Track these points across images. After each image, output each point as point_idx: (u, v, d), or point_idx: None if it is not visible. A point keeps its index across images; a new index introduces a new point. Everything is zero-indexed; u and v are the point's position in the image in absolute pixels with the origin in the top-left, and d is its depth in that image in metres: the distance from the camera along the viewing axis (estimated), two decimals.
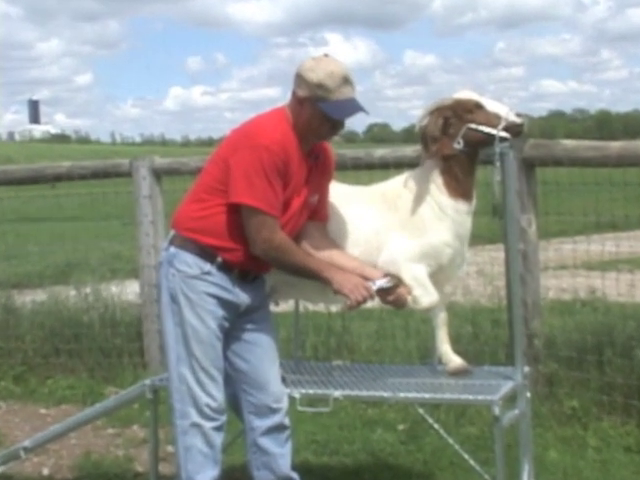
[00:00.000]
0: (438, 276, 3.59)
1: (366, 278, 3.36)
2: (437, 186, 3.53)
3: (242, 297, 3.38)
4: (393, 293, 3.40)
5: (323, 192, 3.48)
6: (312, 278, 3.33)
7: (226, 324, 3.37)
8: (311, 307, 5.77)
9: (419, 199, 3.54)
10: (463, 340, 5.27)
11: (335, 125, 3.28)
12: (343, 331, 5.86)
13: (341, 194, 3.63)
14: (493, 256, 5.74)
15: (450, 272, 3.63)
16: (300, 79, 3.24)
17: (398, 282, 3.41)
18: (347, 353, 5.72)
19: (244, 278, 3.38)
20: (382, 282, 3.37)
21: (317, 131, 3.27)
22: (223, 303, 3.34)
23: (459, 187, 3.52)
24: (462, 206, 3.53)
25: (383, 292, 3.39)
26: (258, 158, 3.16)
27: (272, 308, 3.67)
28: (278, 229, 3.24)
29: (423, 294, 3.52)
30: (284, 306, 3.96)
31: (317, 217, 3.48)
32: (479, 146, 3.50)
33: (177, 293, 3.31)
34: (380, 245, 3.55)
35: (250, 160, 3.17)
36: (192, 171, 5.71)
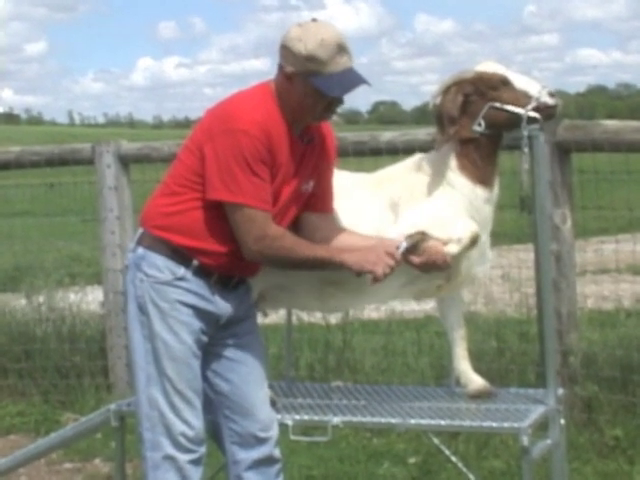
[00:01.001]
0: (453, 276, 3.59)
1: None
2: (451, 170, 3.54)
3: (223, 307, 3.40)
4: (422, 252, 3.34)
5: (324, 178, 3.48)
6: (323, 268, 3.32)
7: (204, 338, 3.38)
8: (306, 317, 5.79)
9: (432, 183, 3.56)
10: (485, 357, 5.29)
11: (332, 102, 3.28)
12: (344, 346, 5.88)
13: (345, 182, 3.65)
14: (521, 258, 5.75)
15: (467, 269, 3.62)
16: (286, 51, 3.24)
17: (423, 236, 3.36)
18: (349, 372, 5.74)
19: (225, 284, 3.39)
20: (406, 243, 3.32)
21: (311, 111, 3.27)
22: (200, 314, 3.35)
23: (477, 172, 3.53)
24: (480, 191, 3.54)
25: (410, 255, 3.34)
26: (236, 145, 3.16)
27: (260, 319, 3.69)
28: (270, 223, 3.25)
29: (454, 230, 3.44)
30: (274, 317, 3.97)
31: (321, 208, 3.49)
32: (503, 128, 3.52)
33: (146, 302, 3.32)
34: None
35: (228, 148, 3.17)
36: (165, 158, 5.73)
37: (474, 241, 3.49)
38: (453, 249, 3.44)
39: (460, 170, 3.53)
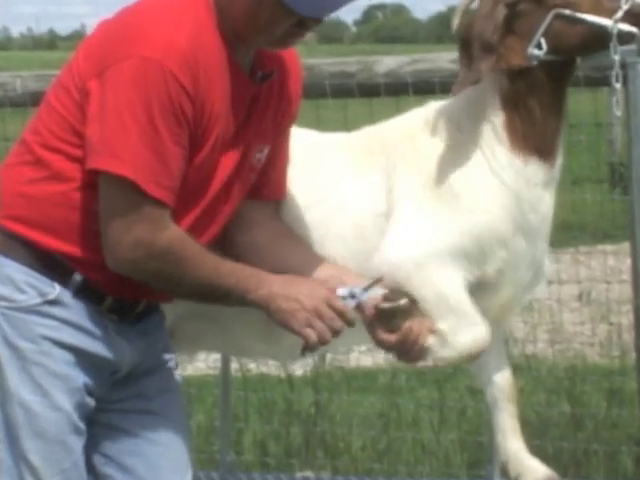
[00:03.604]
0: (485, 301, 3.64)
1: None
2: (494, 129, 3.58)
3: (123, 349, 3.42)
4: (396, 326, 3.39)
5: (279, 144, 3.53)
6: (230, 304, 3.35)
7: (91, 402, 3.40)
8: (253, 366, 5.82)
9: (458, 153, 3.59)
10: (552, 430, 5.34)
11: (303, 22, 3.28)
12: (316, 413, 5.91)
13: (307, 147, 3.69)
14: (611, 266, 5.79)
15: (510, 293, 3.67)
16: None
17: (407, 304, 3.42)
18: (325, 456, 5.77)
19: (125, 313, 3.41)
20: (360, 292, 3.35)
21: (266, 31, 3.27)
22: (86, 361, 3.35)
23: (534, 133, 3.56)
24: (535, 170, 3.58)
25: (380, 319, 3.39)
26: (138, 83, 3.13)
27: (178, 370, 3.71)
28: (167, 224, 3.22)
29: (458, 328, 3.56)
30: (201, 364, 4.01)
31: (267, 194, 3.55)
32: (578, 51, 3.57)
33: None
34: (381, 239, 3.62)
35: (123, 87, 3.15)
36: (18, 100, 5.75)
37: (472, 358, 3.65)
38: (438, 351, 3.55)
39: (508, 132, 3.56)
